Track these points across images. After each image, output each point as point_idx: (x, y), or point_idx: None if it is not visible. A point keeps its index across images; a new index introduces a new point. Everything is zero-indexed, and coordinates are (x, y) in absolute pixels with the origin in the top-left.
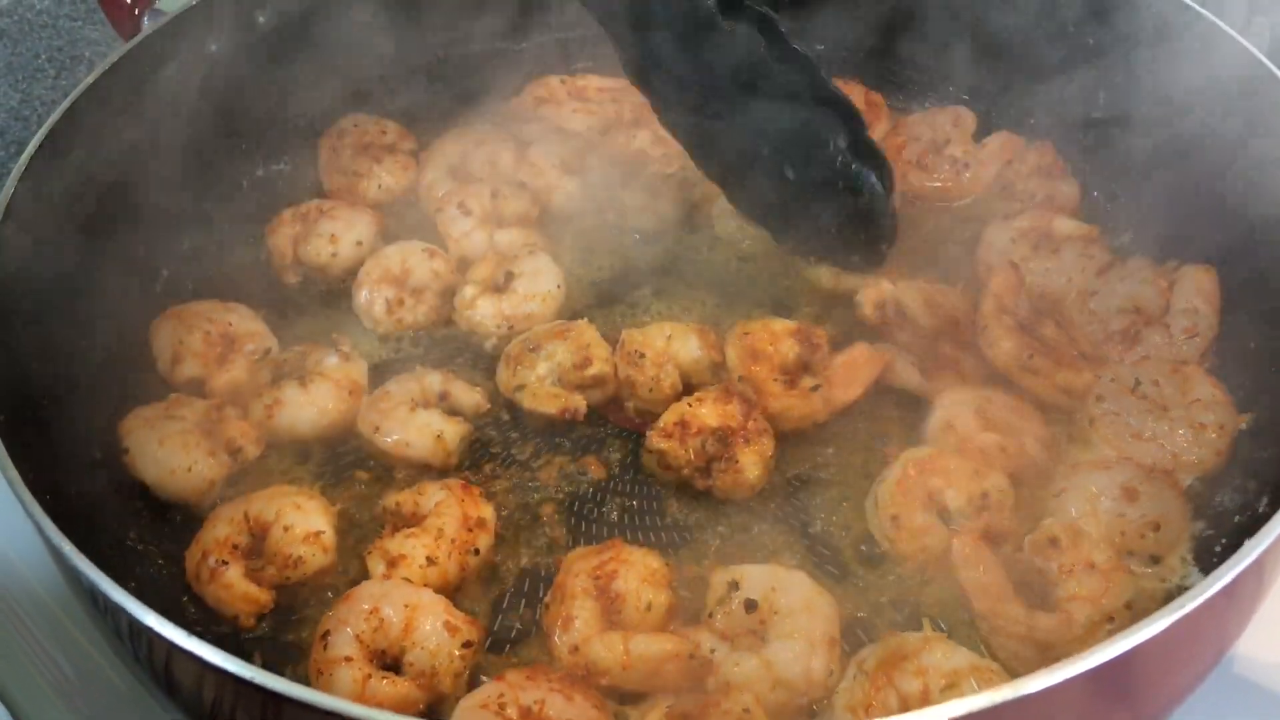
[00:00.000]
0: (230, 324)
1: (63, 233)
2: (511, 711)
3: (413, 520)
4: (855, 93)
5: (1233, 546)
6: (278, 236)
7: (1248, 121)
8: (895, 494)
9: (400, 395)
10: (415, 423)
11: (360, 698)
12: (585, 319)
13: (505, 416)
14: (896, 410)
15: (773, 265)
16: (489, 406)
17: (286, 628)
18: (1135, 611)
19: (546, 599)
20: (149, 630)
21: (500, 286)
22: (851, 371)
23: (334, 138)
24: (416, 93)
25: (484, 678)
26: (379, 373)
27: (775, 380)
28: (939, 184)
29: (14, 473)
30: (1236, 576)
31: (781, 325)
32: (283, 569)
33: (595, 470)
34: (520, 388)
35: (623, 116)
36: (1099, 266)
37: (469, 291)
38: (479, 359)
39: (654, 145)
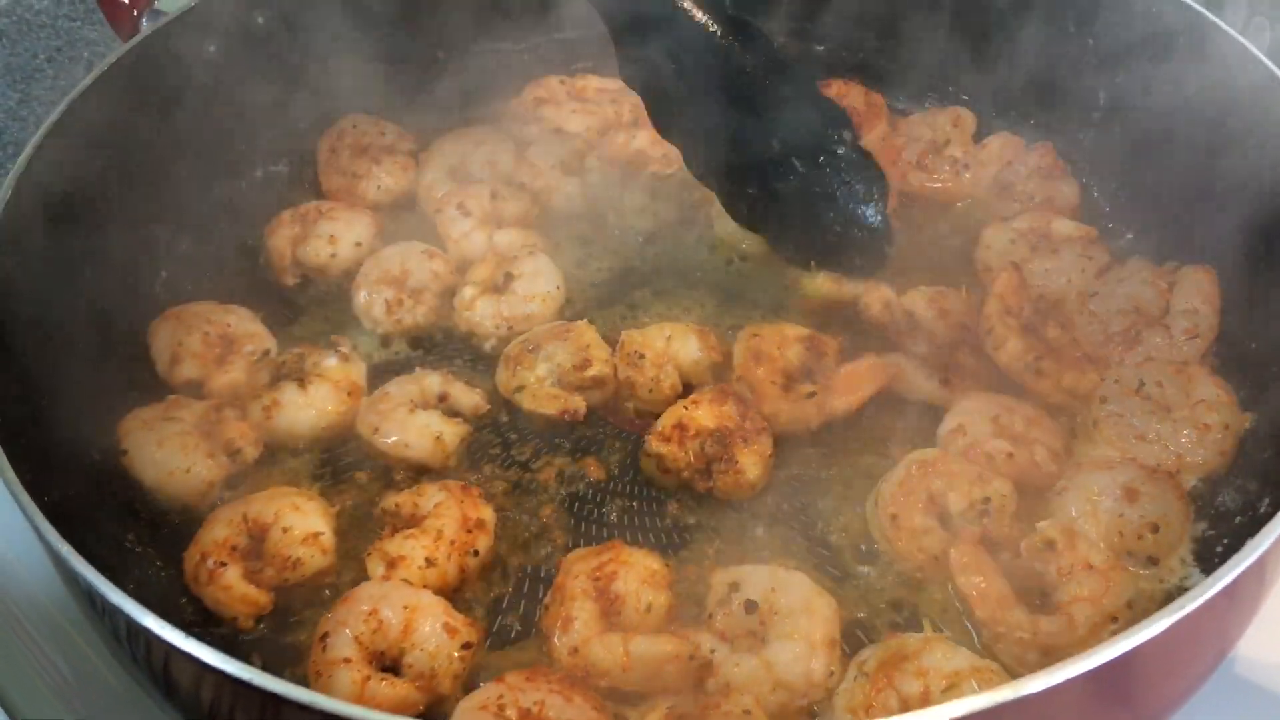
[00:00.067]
0: (229, 325)
1: (61, 233)
2: (511, 713)
3: (412, 521)
4: (855, 93)
5: (1234, 547)
6: (277, 238)
7: (1248, 122)
8: (896, 494)
9: (399, 396)
10: (414, 424)
11: (359, 699)
12: (585, 320)
13: (504, 417)
14: (907, 416)
15: (773, 266)
16: (488, 407)
17: (285, 629)
18: (1137, 612)
19: (546, 600)
20: (147, 632)
21: (500, 287)
22: (852, 381)
23: (333, 139)
24: (416, 93)
25: (481, 680)
26: (378, 374)
27: (773, 383)
28: (939, 185)
29: (12, 474)
30: (1238, 577)
31: (794, 330)
32: (282, 570)
33: (595, 471)
34: (520, 389)
35: (622, 117)
36: (1098, 268)
37: (468, 292)
38: (478, 360)
39: (653, 146)
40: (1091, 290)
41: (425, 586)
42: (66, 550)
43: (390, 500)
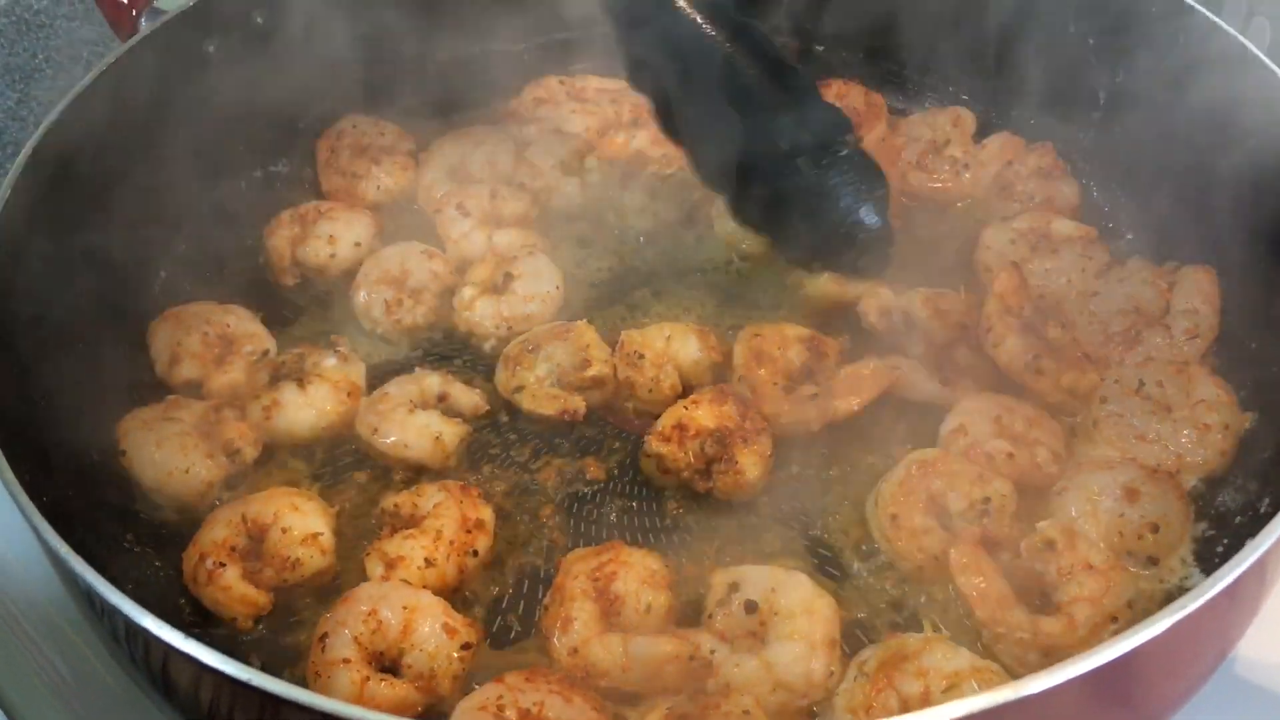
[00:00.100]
0: (228, 325)
1: (60, 233)
2: (510, 713)
3: (411, 522)
4: (855, 93)
5: (1234, 547)
6: (276, 238)
7: (1248, 122)
8: (896, 493)
9: (399, 397)
10: (414, 424)
11: (358, 700)
12: (584, 320)
13: (504, 418)
14: (908, 416)
15: (773, 266)
16: (488, 408)
17: (284, 630)
18: (1137, 612)
19: (545, 600)
20: (146, 632)
21: (499, 287)
22: (854, 384)
23: (332, 139)
24: (415, 93)
25: (481, 680)
26: (377, 374)
27: (774, 384)
28: (939, 185)
29: (10, 475)
30: (1238, 577)
31: (794, 331)
32: (281, 571)
33: (594, 471)
34: (519, 389)
35: (621, 117)
36: (1098, 268)
37: (468, 293)
38: (478, 360)
39: (653, 146)
40: (1091, 290)
41: (424, 587)
42: (65, 550)
43: (389, 500)
